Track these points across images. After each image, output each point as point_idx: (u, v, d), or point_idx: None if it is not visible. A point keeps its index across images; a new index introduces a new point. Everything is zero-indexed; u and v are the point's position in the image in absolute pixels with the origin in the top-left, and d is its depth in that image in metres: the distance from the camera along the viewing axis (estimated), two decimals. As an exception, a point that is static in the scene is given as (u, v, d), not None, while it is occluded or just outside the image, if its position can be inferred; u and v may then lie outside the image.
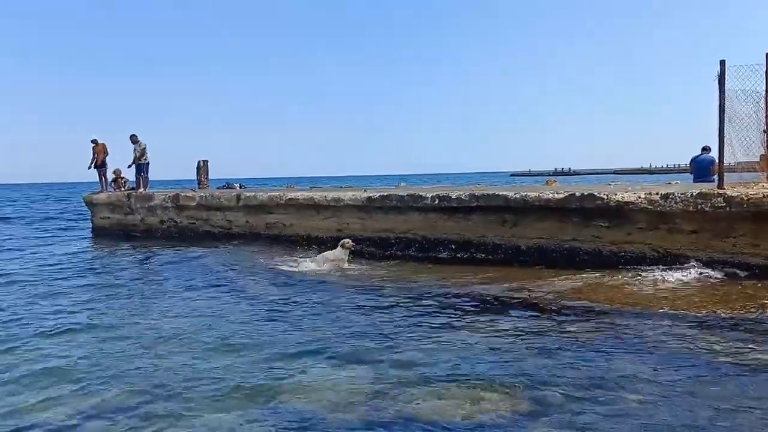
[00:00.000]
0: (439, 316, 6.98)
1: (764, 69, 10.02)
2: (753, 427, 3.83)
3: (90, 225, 18.77)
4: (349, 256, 10.91)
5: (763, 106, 10.25)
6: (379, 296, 8.13)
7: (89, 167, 18.28)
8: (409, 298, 7.95)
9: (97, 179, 18.61)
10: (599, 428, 3.85)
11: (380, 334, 6.24)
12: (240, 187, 19.76)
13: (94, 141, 18.14)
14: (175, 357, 5.61)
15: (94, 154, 18.20)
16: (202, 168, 20.70)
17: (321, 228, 13.10)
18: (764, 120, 10.36)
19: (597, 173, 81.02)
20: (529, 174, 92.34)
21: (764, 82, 10.05)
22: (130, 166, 17.75)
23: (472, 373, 4.95)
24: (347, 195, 12.78)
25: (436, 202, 11.28)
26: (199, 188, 19.41)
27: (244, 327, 6.64)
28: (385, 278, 9.46)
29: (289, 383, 4.85)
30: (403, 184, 17.81)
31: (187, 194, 15.96)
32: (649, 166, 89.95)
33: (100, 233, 17.70)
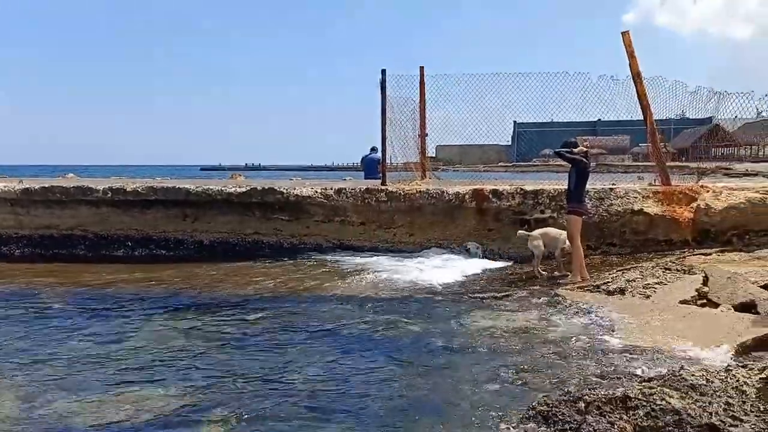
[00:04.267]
0: (111, 317, 6.41)
1: (418, 80, 11.62)
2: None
3: None
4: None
5: (418, 113, 11.87)
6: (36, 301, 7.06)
7: None
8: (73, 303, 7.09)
9: None
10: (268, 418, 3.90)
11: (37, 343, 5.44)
12: None
13: None
14: None
15: None
16: None
17: (-41, 226, 10.85)
18: (419, 126, 12.01)
19: (286, 169, 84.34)
20: (220, 168, 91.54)
21: (418, 92, 11.66)
22: None
23: (143, 375, 4.62)
24: (-4, 186, 10.84)
25: (109, 195, 10.30)
26: None
27: None
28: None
29: None
30: (70, 174, 15.85)
31: None
32: (331, 163, 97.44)
33: None
